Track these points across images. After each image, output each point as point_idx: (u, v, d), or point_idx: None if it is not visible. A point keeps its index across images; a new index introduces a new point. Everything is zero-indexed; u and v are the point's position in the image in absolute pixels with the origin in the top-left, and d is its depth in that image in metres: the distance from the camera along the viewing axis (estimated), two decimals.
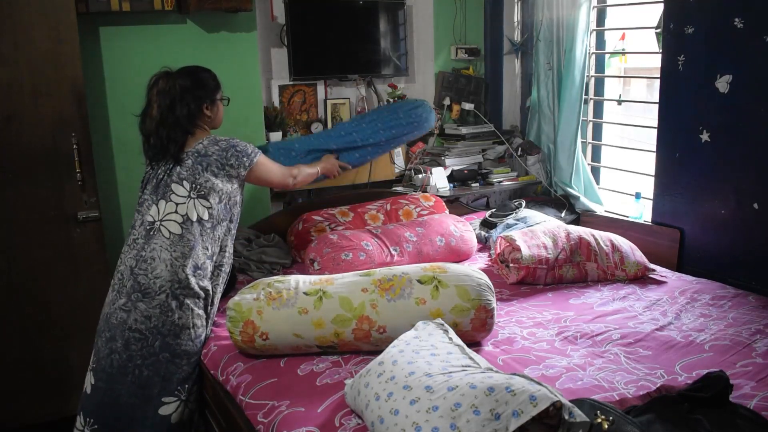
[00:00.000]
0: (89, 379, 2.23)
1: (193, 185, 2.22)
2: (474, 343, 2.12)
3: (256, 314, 2.07)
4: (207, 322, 2.29)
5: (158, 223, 2.21)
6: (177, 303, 2.18)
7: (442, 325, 1.93)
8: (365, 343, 2.06)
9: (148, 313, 2.16)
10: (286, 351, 2.10)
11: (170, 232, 2.20)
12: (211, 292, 2.29)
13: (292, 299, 2.08)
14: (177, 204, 2.21)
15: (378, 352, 1.85)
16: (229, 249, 2.38)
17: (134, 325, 2.16)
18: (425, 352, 1.73)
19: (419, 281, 2.09)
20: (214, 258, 2.31)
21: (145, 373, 2.17)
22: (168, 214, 2.21)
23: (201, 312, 2.25)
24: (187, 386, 2.24)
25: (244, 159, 2.30)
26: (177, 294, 2.18)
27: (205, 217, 2.24)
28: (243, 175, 2.32)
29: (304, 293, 2.10)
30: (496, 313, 2.14)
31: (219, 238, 2.30)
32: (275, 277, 2.25)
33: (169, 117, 2.21)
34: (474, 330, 2.08)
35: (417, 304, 2.05)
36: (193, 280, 2.21)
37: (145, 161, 2.32)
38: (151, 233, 2.21)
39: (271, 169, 2.45)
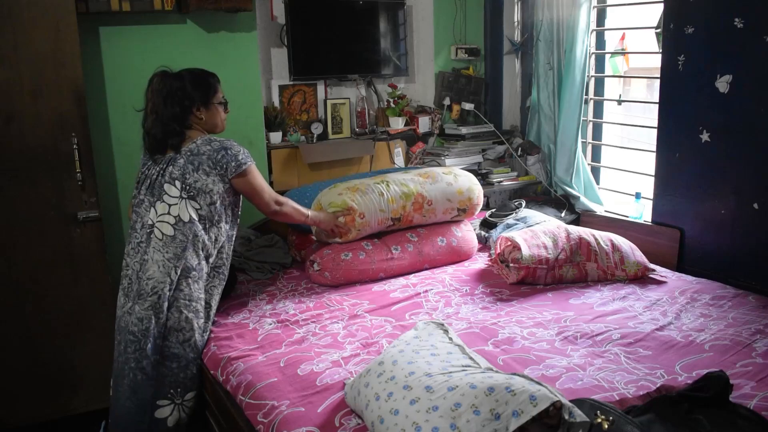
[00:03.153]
0: (112, 385, 2.28)
1: (184, 186, 2.22)
2: (474, 344, 2.12)
3: (350, 201, 2.74)
4: (204, 326, 2.28)
5: (155, 225, 2.22)
6: (167, 304, 2.18)
7: (442, 325, 1.93)
8: (418, 215, 2.92)
9: (140, 315, 2.17)
10: (374, 226, 2.81)
11: (163, 234, 2.20)
12: (205, 295, 2.29)
13: (369, 188, 2.82)
14: (170, 205, 2.21)
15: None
16: (227, 251, 2.37)
17: (130, 327, 2.18)
18: (425, 352, 1.73)
19: (444, 173, 3.04)
20: (210, 260, 2.30)
21: (139, 377, 2.18)
22: (162, 215, 2.21)
23: (193, 316, 2.23)
24: (180, 390, 2.23)
25: (232, 163, 2.25)
26: (167, 296, 2.18)
27: (196, 218, 2.23)
28: (229, 180, 2.27)
29: (375, 183, 2.85)
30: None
31: (215, 239, 2.29)
32: (333, 186, 2.84)
33: (163, 114, 2.23)
34: (478, 202, 3.09)
35: (447, 185, 2.99)
36: (185, 282, 2.21)
37: (142, 158, 2.34)
38: (150, 236, 2.22)
39: (259, 183, 2.35)
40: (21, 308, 2.64)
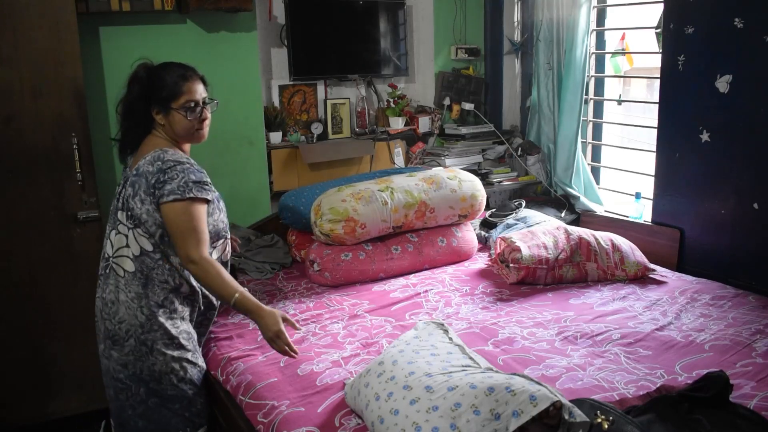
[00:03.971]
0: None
1: (128, 213, 1.94)
2: (474, 344, 2.12)
3: (353, 211, 2.68)
4: (194, 357, 2.05)
5: (111, 260, 1.96)
6: (146, 348, 1.94)
7: (442, 325, 1.93)
8: (420, 222, 2.89)
9: (123, 360, 1.95)
10: (374, 234, 2.78)
11: (124, 270, 1.94)
12: (185, 325, 2.03)
13: (373, 196, 2.76)
14: (126, 236, 1.94)
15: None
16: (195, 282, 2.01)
17: (115, 375, 1.98)
18: (425, 352, 1.73)
19: (449, 178, 2.99)
20: (182, 289, 2.01)
21: (140, 424, 1.99)
22: (119, 248, 1.94)
23: (179, 353, 1.99)
24: (189, 429, 2.06)
25: (156, 192, 1.87)
26: (143, 339, 1.94)
27: (149, 248, 1.93)
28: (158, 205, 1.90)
29: (379, 191, 2.79)
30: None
31: (177, 268, 1.97)
32: (338, 189, 2.78)
33: (119, 110, 2.00)
34: (480, 208, 3.05)
35: (451, 192, 2.94)
36: (157, 322, 1.94)
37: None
38: (107, 271, 1.97)
39: (179, 224, 1.86)
40: (21, 308, 2.64)
